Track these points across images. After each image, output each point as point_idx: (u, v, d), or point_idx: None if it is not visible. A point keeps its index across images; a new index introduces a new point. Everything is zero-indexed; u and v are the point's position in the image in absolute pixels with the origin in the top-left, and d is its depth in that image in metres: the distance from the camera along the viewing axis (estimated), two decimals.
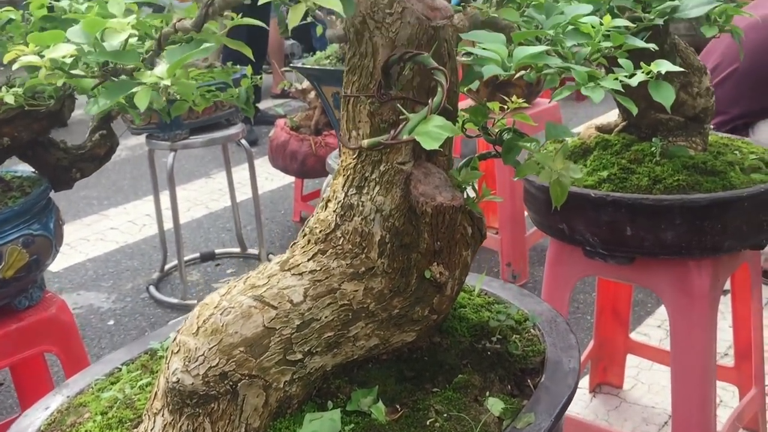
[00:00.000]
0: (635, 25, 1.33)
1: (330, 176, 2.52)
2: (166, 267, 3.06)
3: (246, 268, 3.12)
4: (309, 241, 0.95)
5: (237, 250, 3.22)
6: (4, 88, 1.41)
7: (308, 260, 0.92)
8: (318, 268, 0.91)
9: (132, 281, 3.04)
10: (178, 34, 0.79)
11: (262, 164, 3.96)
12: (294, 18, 0.63)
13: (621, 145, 1.61)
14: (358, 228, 0.93)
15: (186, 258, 3.08)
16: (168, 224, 3.03)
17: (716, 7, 1.27)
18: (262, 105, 5.35)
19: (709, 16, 1.31)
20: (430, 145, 0.70)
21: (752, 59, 2.30)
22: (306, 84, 3.20)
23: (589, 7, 0.91)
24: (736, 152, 1.59)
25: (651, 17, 1.31)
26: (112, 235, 3.53)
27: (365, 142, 0.78)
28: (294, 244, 0.97)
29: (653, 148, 1.55)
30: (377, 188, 0.92)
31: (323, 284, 0.90)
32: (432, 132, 0.71)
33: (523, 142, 1.00)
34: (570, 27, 0.94)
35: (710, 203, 1.42)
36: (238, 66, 1.87)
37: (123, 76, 0.71)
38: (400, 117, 0.82)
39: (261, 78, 1.97)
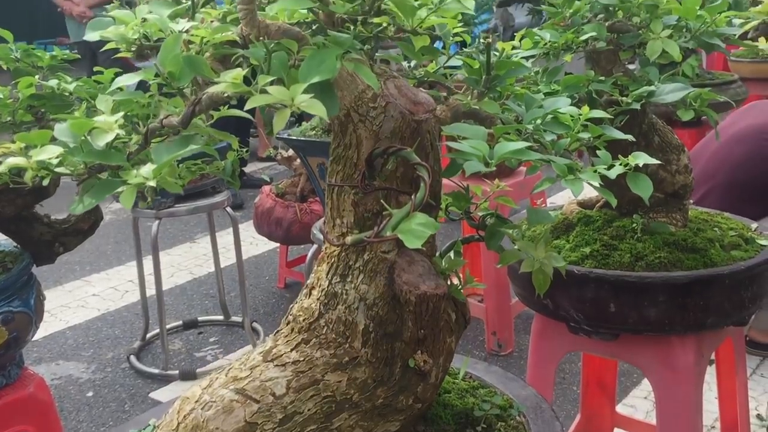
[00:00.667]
0: (613, 110, 1.37)
1: (314, 246, 2.52)
2: (148, 335, 3.02)
3: (229, 336, 3.09)
4: (292, 329, 0.95)
5: (220, 317, 3.19)
6: None
7: (291, 350, 0.92)
8: (301, 359, 0.90)
9: (113, 350, 2.99)
10: (165, 129, 0.80)
11: (247, 228, 3.95)
12: (279, 122, 0.64)
13: (603, 221, 1.63)
14: (341, 317, 0.92)
15: (168, 326, 3.05)
16: (151, 290, 3.01)
17: (691, 92, 1.31)
18: (248, 168, 5.38)
19: (685, 101, 1.35)
20: (413, 243, 0.71)
21: (739, 171, 2.30)
22: (291, 151, 3.23)
23: (567, 101, 0.93)
24: (716, 229, 1.61)
25: (629, 101, 1.35)
26: (94, 301, 3.49)
27: (349, 239, 0.78)
28: (277, 332, 0.96)
29: (634, 225, 1.57)
30: (361, 276, 0.92)
31: (306, 375, 0.89)
32: (415, 230, 0.72)
33: (505, 228, 1.02)
34: (549, 116, 0.96)
35: (692, 281, 1.43)
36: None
37: (107, 174, 0.72)
38: (384, 213, 0.83)
39: (247, 150, 1.99)
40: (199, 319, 3.19)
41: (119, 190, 0.68)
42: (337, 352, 0.91)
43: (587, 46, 1.47)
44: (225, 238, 3.90)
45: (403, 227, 0.73)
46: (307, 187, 3.28)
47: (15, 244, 1.71)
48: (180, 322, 3.15)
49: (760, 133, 2.35)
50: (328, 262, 0.96)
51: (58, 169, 0.70)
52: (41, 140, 0.70)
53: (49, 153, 0.66)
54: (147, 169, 0.68)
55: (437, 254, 1.02)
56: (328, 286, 0.94)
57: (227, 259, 3.68)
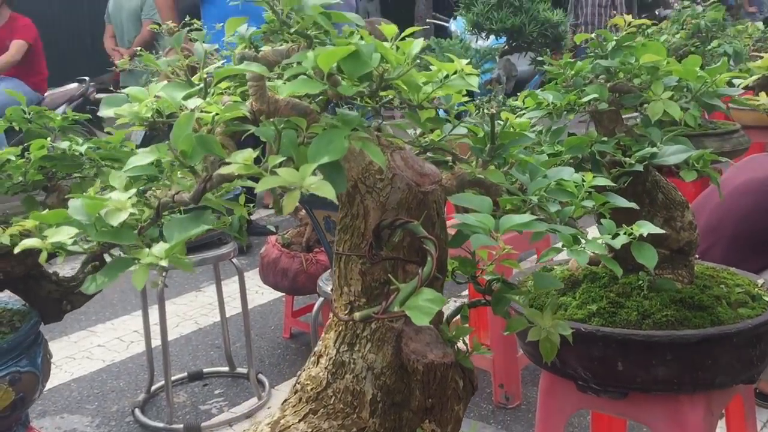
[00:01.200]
0: (617, 171, 1.39)
1: (321, 299, 2.53)
2: (153, 387, 2.99)
3: (234, 388, 3.06)
4: (300, 399, 0.95)
5: (226, 369, 3.17)
6: (0, 229, 1.43)
7: (299, 421, 0.92)
8: (309, 430, 0.90)
9: (117, 403, 2.97)
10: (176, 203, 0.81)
11: (253, 276, 3.95)
12: (289, 204, 0.66)
13: (609, 277, 1.63)
14: (349, 386, 0.93)
15: (173, 378, 3.02)
16: (156, 341, 2.99)
17: (693, 154, 1.33)
18: (254, 215, 5.41)
19: (688, 162, 1.36)
20: (420, 320, 0.71)
21: (744, 224, 2.30)
22: None
23: (571, 171, 0.95)
24: (722, 285, 1.61)
25: (632, 162, 1.37)
26: (99, 352, 3.47)
27: (357, 315, 0.79)
28: (285, 402, 0.96)
29: (640, 282, 1.58)
30: (369, 345, 0.93)
31: None
32: (422, 306, 0.73)
33: (512, 294, 1.02)
34: (554, 184, 0.98)
35: (700, 340, 1.43)
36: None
37: (120, 252, 0.73)
38: (391, 287, 0.83)
39: (254, 205, 2.01)
40: (205, 370, 3.17)
41: (132, 268, 0.69)
42: (345, 423, 0.91)
43: (589, 107, 1.49)
44: (231, 286, 3.90)
45: (410, 303, 0.73)
46: (312, 237, 3.29)
47: (23, 302, 1.72)
48: (185, 374, 3.13)
49: (763, 185, 2.36)
50: (335, 330, 0.96)
51: (71, 248, 0.71)
52: (56, 219, 0.71)
53: (64, 235, 0.67)
54: (159, 249, 0.69)
55: (444, 320, 1.03)
56: (335, 355, 0.94)
57: (233, 308, 3.68)
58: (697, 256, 1.72)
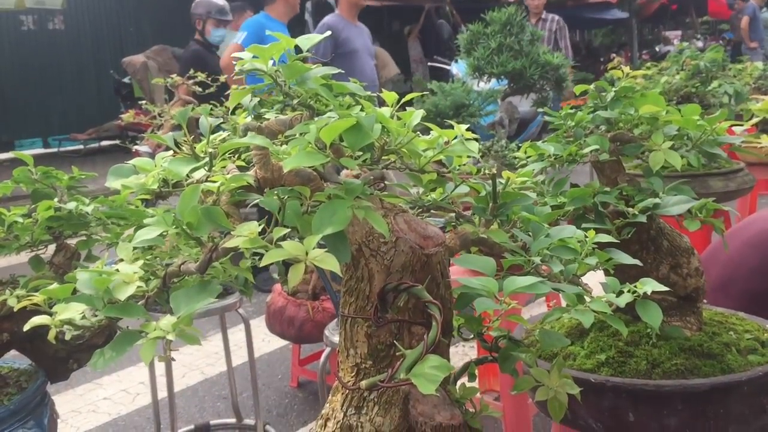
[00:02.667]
0: (620, 222, 1.39)
1: (328, 348, 2.51)
2: None
3: None
4: None
5: (233, 420, 3.14)
6: (8, 291, 1.43)
7: None
8: None
9: None
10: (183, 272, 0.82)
11: (259, 323, 3.94)
12: (294, 278, 0.66)
13: None
14: None
15: (180, 431, 3.00)
16: (162, 393, 2.98)
17: (696, 204, 1.33)
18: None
19: (690, 211, 1.37)
20: (427, 389, 0.71)
21: (757, 277, 2.28)
22: None
23: (573, 229, 0.95)
24: (731, 332, 1.60)
25: (635, 213, 1.37)
26: (105, 406, 3.45)
27: (363, 384, 0.79)
28: None
29: (649, 330, 1.57)
30: (376, 408, 0.92)
31: None
32: (428, 374, 0.73)
33: (518, 352, 1.02)
34: (556, 241, 0.98)
35: (711, 389, 1.41)
36: None
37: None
38: (397, 353, 0.83)
39: (258, 260, 2.00)
40: (211, 422, 3.14)
41: (139, 342, 0.70)
42: None
43: (591, 157, 1.50)
44: (237, 334, 3.89)
45: (416, 371, 0.73)
46: (318, 285, 3.28)
47: (30, 361, 1.72)
48: (192, 427, 3.10)
49: None
50: (342, 393, 0.96)
51: (80, 323, 0.72)
52: (64, 294, 0.72)
53: (73, 312, 0.68)
54: (166, 322, 0.69)
55: (451, 379, 1.02)
56: (343, 419, 0.94)
57: (239, 357, 3.66)
58: (705, 301, 1.72)
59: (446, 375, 0.75)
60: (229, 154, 0.92)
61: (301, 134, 0.79)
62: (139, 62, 10.39)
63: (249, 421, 3.12)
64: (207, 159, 0.81)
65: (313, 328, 3.17)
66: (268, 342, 4.05)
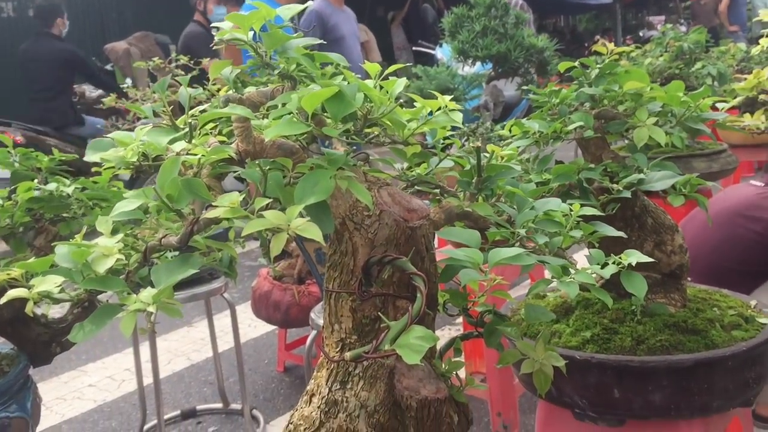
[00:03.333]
0: (605, 197, 1.39)
1: (314, 331, 2.51)
2: (146, 427, 2.95)
3: (228, 425, 3.03)
4: None
5: (219, 405, 3.14)
6: None
7: None
8: None
9: None
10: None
11: (245, 309, 3.93)
12: (276, 246, 0.65)
13: (602, 303, 1.63)
14: (343, 425, 0.92)
15: (166, 416, 2.99)
16: (148, 379, 2.96)
17: (680, 179, 1.34)
18: (247, 247, 5.39)
19: (675, 187, 1.37)
20: (412, 359, 0.71)
21: (715, 256, 2.30)
22: None
23: (558, 201, 0.95)
24: (715, 308, 1.61)
25: (620, 189, 1.37)
26: (90, 392, 3.43)
27: (348, 355, 0.79)
28: None
29: (633, 307, 1.57)
30: (361, 383, 0.92)
31: None
32: (413, 344, 0.72)
33: (503, 326, 1.02)
34: (542, 214, 0.98)
35: (695, 364, 1.42)
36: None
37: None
38: (381, 325, 0.83)
39: (243, 242, 2.00)
40: (198, 407, 3.13)
41: (119, 315, 0.69)
42: None
43: (575, 134, 1.50)
44: (223, 320, 3.87)
45: (401, 341, 0.73)
46: (304, 269, 3.27)
47: (12, 345, 1.70)
48: (178, 412, 3.09)
49: (733, 215, 2.37)
50: (327, 368, 0.95)
51: (58, 296, 0.70)
52: (42, 268, 0.71)
53: (50, 284, 0.67)
54: (146, 294, 0.68)
55: (437, 354, 1.02)
56: (328, 394, 0.93)
57: (225, 342, 3.64)
58: (689, 279, 1.72)
59: (431, 345, 0.74)
60: (210, 128, 0.90)
61: (282, 104, 0.78)
62: (121, 49, 10.26)
63: (236, 405, 3.11)
64: (187, 129, 0.80)
65: (299, 312, 3.16)
66: (254, 327, 4.04)
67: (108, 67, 11.07)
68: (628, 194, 1.33)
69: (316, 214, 0.71)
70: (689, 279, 2.16)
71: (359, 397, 0.91)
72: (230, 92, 0.85)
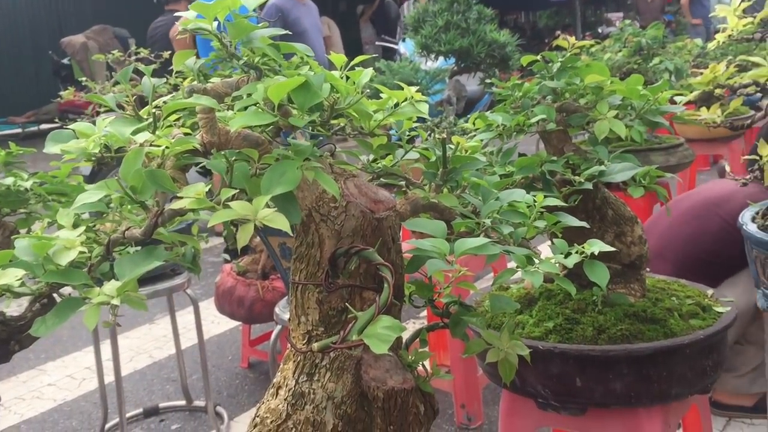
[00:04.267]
0: (567, 189, 1.41)
1: (278, 326, 2.50)
2: (107, 426, 2.91)
3: (192, 423, 3.00)
4: None
5: (182, 402, 3.10)
6: None
7: None
8: None
9: None
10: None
11: (208, 305, 3.89)
12: (243, 237, 0.65)
13: (564, 294, 1.65)
14: (310, 417, 0.92)
15: (128, 414, 2.94)
16: (109, 377, 2.92)
17: (640, 170, 1.36)
18: (208, 244, 5.33)
19: (635, 179, 1.39)
20: (379, 348, 0.71)
21: (690, 246, 2.37)
22: None
23: (522, 193, 0.96)
24: (673, 297, 1.65)
25: (581, 180, 1.39)
26: (50, 392, 3.37)
27: (316, 346, 0.79)
28: None
29: (595, 297, 1.60)
30: (328, 375, 0.92)
31: None
32: (381, 334, 0.72)
33: (468, 317, 1.03)
34: (506, 206, 0.99)
35: (654, 352, 1.45)
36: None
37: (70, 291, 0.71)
38: (349, 316, 0.83)
39: (207, 237, 1.98)
40: (161, 405, 3.10)
41: (82, 309, 0.68)
42: None
43: (538, 127, 1.52)
44: (185, 317, 3.83)
45: (368, 332, 0.73)
46: (268, 265, 3.26)
47: None
48: (140, 410, 3.05)
49: (712, 206, 2.43)
50: (294, 361, 0.95)
51: (18, 290, 0.69)
52: (1, 261, 0.69)
53: (11, 277, 0.65)
54: (110, 287, 0.67)
55: (403, 345, 1.03)
56: (294, 386, 0.93)
57: (188, 339, 3.60)
58: (648, 269, 1.76)
59: (398, 335, 0.75)
60: (173, 120, 0.89)
61: (248, 95, 0.78)
62: (78, 43, 10.06)
63: (199, 402, 3.08)
64: (150, 120, 0.79)
65: (264, 308, 3.14)
66: (217, 323, 4.00)
67: (65, 61, 10.86)
68: (589, 186, 1.35)
69: (283, 205, 0.70)
70: (659, 268, 2.21)
71: (326, 389, 0.91)
72: (194, 83, 0.84)
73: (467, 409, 2.73)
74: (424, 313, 3.66)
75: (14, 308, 1.74)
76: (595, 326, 1.53)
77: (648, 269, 1.77)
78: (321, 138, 1.02)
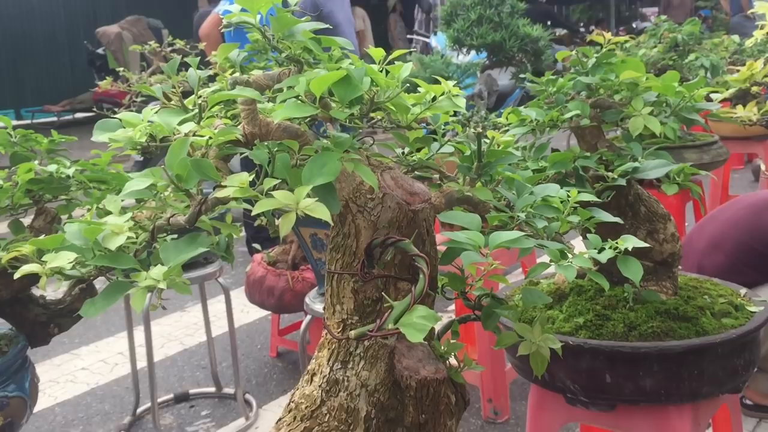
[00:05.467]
0: (600, 185, 1.41)
1: (308, 317, 2.53)
2: (139, 410, 2.97)
3: (221, 409, 3.04)
4: (295, 417, 0.95)
5: (212, 389, 3.15)
6: None
7: None
8: None
9: (103, 426, 2.94)
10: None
11: (239, 295, 3.94)
12: (285, 226, 0.67)
13: (595, 290, 1.65)
14: (343, 404, 0.93)
15: (159, 400, 3.00)
16: (141, 363, 2.98)
17: (674, 168, 1.36)
18: (241, 234, 5.39)
19: (669, 176, 1.39)
20: (415, 337, 0.73)
21: (750, 237, 2.37)
22: None
23: (556, 187, 0.97)
24: (706, 296, 1.64)
25: (615, 177, 1.39)
26: (83, 376, 3.44)
27: (352, 333, 0.80)
28: (280, 420, 0.97)
29: (626, 294, 1.60)
30: (362, 363, 0.94)
31: None
32: (416, 324, 0.74)
33: (501, 309, 1.04)
34: (540, 200, 1.00)
35: (685, 350, 1.45)
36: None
37: (117, 275, 0.74)
38: (384, 305, 0.85)
39: (240, 226, 2.01)
40: (191, 391, 3.15)
41: (129, 291, 0.70)
42: None
43: (571, 123, 1.52)
44: (216, 306, 3.88)
45: (404, 321, 0.75)
46: (298, 255, 3.29)
47: (10, 326, 1.71)
48: (171, 396, 3.11)
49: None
50: (328, 348, 0.97)
51: (69, 272, 0.72)
52: (53, 244, 0.72)
53: (63, 260, 0.68)
54: (157, 271, 0.70)
55: (435, 336, 1.04)
56: (329, 373, 0.95)
57: (219, 327, 3.66)
58: (680, 267, 1.75)
59: (433, 325, 0.76)
60: (216, 111, 0.92)
61: (289, 87, 0.80)
62: (113, 33, 10.20)
63: (228, 390, 3.13)
64: (196, 110, 0.81)
65: (293, 298, 3.17)
66: (247, 313, 4.05)
67: (100, 51, 11.02)
68: (623, 182, 1.35)
69: (323, 195, 0.72)
70: (714, 254, 2.17)
71: (360, 377, 0.93)
72: (237, 75, 0.86)
73: (494, 403, 2.74)
74: (452, 307, 3.67)
75: (52, 293, 1.79)
76: (625, 323, 1.53)
77: (680, 267, 1.76)
78: (355, 131, 1.04)
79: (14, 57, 12.04)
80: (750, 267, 1.96)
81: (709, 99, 1.56)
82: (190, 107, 0.84)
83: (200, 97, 0.83)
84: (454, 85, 0.94)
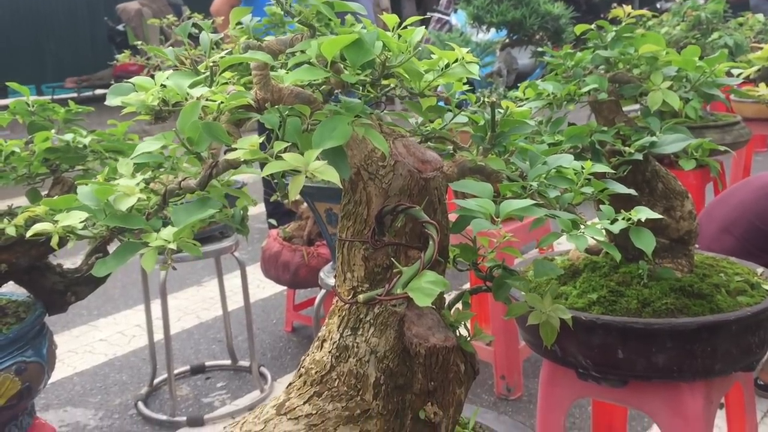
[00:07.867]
0: (617, 160, 1.40)
1: (322, 291, 2.54)
2: (156, 381, 3.01)
3: (236, 381, 3.08)
4: (305, 382, 0.96)
5: (228, 362, 3.19)
6: (5, 220, 1.44)
7: (304, 403, 0.93)
8: (314, 412, 0.92)
9: (120, 396, 2.99)
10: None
11: (254, 270, 3.97)
12: (294, 189, 0.67)
13: (609, 266, 1.65)
14: (353, 369, 0.94)
15: (176, 371, 3.05)
16: (158, 335, 3.02)
17: (692, 142, 1.34)
18: (257, 209, 5.42)
19: (686, 151, 1.37)
20: (423, 301, 0.73)
21: (759, 220, 2.36)
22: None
23: (570, 158, 0.96)
24: (722, 274, 1.62)
25: (631, 151, 1.38)
26: (101, 347, 3.49)
27: (361, 297, 0.81)
28: (291, 384, 0.98)
29: (640, 271, 1.59)
30: (372, 330, 0.94)
31: (319, 429, 0.91)
32: (425, 288, 0.74)
33: (512, 280, 1.04)
34: (553, 171, 0.99)
35: (699, 327, 1.44)
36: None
37: (128, 236, 0.75)
38: (394, 270, 0.85)
39: (254, 200, 2.01)
40: (207, 364, 3.19)
41: (141, 252, 0.71)
42: (348, 405, 0.93)
43: (589, 97, 1.50)
44: (232, 281, 3.92)
45: (413, 285, 0.75)
46: (314, 231, 3.30)
47: (28, 294, 1.73)
48: (187, 367, 3.15)
49: None
50: (339, 315, 0.98)
51: (81, 232, 0.73)
52: (66, 205, 0.73)
53: (74, 219, 0.69)
54: (167, 232, 0.70)
55: (446, 306, 1.04)
56: (339, 339, 0.96)
57: (234, 302, 3.69)
58: (697, 245, 1.74)
59: (442, 290, 0.76)
60: (228, 76, 0.92)
61: (301, 52, 0.79)
62: (133, 9, 10.22)
63: (244, 362, 3.17)
64: (207, 73, 0.82)
65: (308, 274, 3.19)
66: (262, 288, 4.08)
67: (120, 27, 11.04)
68: (639, 157, 1.34)
69: (333, 159, 0.72)
70: (727, 235, 2.15)
71: (370, 343, 0.94)
72: (250, 40, 0.86)
73: (507, 380, 2.75)
74: (466, 285, 3.67)
75: (70, 263, 1.81)
76: (639, 299, 1.52)
77: (697, 246, 1.75)
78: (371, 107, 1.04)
79: (35, 34, 12.10)
80: (761, 250, 1.94)
81: (729, 74, 1.53)
82: (203, 71, 0.84)
83: (212, 61, 0.83)
84: None
